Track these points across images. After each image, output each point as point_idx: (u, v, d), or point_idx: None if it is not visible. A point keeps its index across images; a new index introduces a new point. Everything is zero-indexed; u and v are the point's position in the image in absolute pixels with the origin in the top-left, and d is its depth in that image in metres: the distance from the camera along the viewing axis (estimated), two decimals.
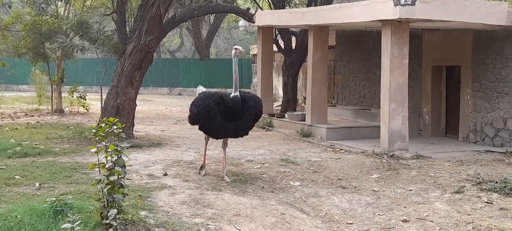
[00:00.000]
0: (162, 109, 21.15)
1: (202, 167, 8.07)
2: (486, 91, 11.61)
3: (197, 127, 7.94)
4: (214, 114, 7.45)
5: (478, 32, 11.68)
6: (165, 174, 7.93)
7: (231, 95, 7.50)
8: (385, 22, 10.35)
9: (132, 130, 11.59)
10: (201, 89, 8.55)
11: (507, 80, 11.10)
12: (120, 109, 11.07)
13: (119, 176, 4.93)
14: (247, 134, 7.98)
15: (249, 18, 13.39)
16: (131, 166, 7.01)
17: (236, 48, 7.85)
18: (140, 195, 6.40)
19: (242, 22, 16.64)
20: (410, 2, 9.53)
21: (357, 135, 12.74)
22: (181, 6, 18.97)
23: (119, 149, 4.94)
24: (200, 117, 7.57)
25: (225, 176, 7.73)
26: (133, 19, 12.80)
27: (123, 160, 5.02)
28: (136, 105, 11.72)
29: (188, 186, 7.21)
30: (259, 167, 8.97)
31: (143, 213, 5.62)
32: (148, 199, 6.36)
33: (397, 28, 10.27)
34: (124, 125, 6.43)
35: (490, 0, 11.96)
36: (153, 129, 13.95)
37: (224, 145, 8.07)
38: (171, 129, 14.17)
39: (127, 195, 5.26)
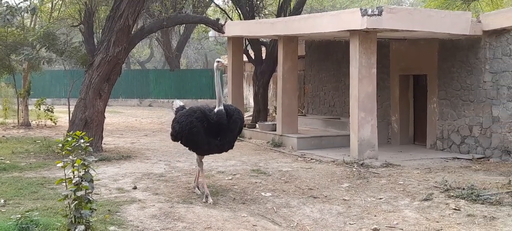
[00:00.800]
0: (132, 121, 20.91)
1: (206, 196, 7.23)
2: (452, 99, 11.85)
3: (176, 142, 7.70)
4: (197, 132, 7.13)
5: (443, 41, 11.93)
6: (135, 188, 7.83)
7: (216, 110, 7.19)
8: (353, 32, 10.47)
9: (101, 143, 11.42)
10: (178, 103, 8.21)
11: (472, 88, 11.35)
12: (89, 122, 10.90)
13: (87, 191, 4.84)
14: (232, 148, 7.70)
15: (219, 28, 13.39)
16: (99, 180, 6.87)
17: (218, 61, 7.55)
18: (109, 210, 6.29)
19: (212, 33, 16.64)
20: (377, 12, 9.68)
21: (327, 144, 12.82)
22: (151, 16, 18.85)
23: (86, 163, 4.85)
24: (182, 134, 7.28)
25: (196, 188, 7.65)
26: (101, 30, 12.64)
27: (91, 174, 4.93)
28: (104, 117, 11.56)
29: (158, 199, 7.13)
30: (230, 178, 8.93)
31: (112, 228, 5.52)
32: (117, 213, 6.26)
33: (365, 38, 10.41)
34: (92, 139, 6.32)
35: (454, 11, 12.23)
36: (122, 142, 13.77)
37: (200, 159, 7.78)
38: (141, 141, 14.02)
39: (95, 210, 5.16)
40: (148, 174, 9.04)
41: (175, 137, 7.54)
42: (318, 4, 24.62)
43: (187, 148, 7.62)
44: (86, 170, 4.88)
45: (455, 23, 10.51)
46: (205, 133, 7.15)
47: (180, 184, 8.25)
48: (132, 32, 11.54)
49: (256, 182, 8.64)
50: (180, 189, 7.91)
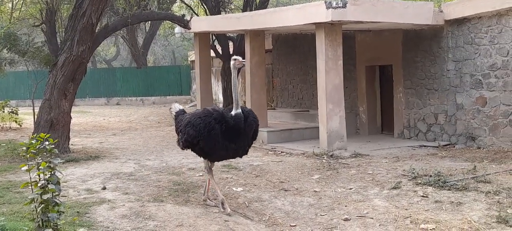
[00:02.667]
0: (100, 120, 20.60)
1: (222, 203, 6.71)
2: (417, 88, 12.06)
3: (187, 149, 6.92)
4: (216, 135, 6.39)
5: (407, 31, 12.13)
6: (104, 188, 7.72)
7: (233, 113, 6.44)
8: (318, 24, 10.54)
9: (68, 144, 11.21)
10: (177, 107, 7.40)
11: (436, 77, 11.58)
12: (54, 123, 10.69)
13: (54, 194, 4.74)
14: (247, 153, 6.97)
15: (185, 24, 13.30)
16: (65, 182, 6.78)
17: (235, 59, 6.71)
18: (77, 212, 6.19)
19: (178, 29, 16.51)
20: (341, 4, 9.76)
21: (297, 137, 12.90)
22: (115, 14, 18.59)
23: (52, 165, 4.75)
24: (199, 139, 6.43)
25: (208, 200, 6.99)
26: (63, 29, 12.39)
27: (57, 176, 4.83)
28: (71, 118, 11.35)
29: (129, 199, 7.04)
30: (201, 174, 8.89)
31: (81, 230, 5.43)
32: (87, 215, 6.16)
33: (330, 30, 10.49)
34: (57, 140, 6.20)
35: (417, 1, 12.44)
36: (90, 142, 13.56)
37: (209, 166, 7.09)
38: (109, 141, 13.83)
39: (63, 212, 5.06)
40: (118, 173, 8.93)
41: (189, 142, 6.60)
42: None
43: (199, 155, 6.84)
44: (52, 172, 4.78)
45: (418, 13, 10.69)
46: (223, 136, 6.44)
47: (150, 182, 8.18)
48: (96, 31, 11.34)
49: (227, 177, 8.64)
50: (150, 187, 7.83)
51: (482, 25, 10.50)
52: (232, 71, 6.81)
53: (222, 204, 6.67)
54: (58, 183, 4.81)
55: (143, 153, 11.38)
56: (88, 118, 21.58)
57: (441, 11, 11.12)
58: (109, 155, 11.16)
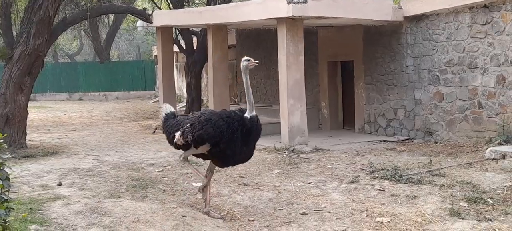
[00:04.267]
0: (61, 115, 20.18)
1: (223, 217, 6.48)
2: (377, 84, 12.24)
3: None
4: (237, 138, 6.09)
5: (367, 27, 12.28)
6: (60, 184, 7.55)
7: (249, 116, 6.16)
8: (280, 20, 10.57)
9: (25, 139, 10.94)
10: (168, 109, 6.85)
11: (396, 72, 11.77)
12: (10, 119, 10.41)
13: (3, 190, 4.61)
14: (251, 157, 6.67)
15: (146, 18, 13.15)
16: (16, 177, 6.60)
17: (248, 60, 6.36)
18: (30, 208, 6.03)
19: (140, 23, 16.34)
20: (302, 0, 9.80)
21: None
22: (76, 6, 18.22)
23: (0, 160, 4.61)
24: (220, 141, 6.05)
25: (211, 211, 6.55)
26: (19, 22, 12.07)
27: (6, 172, 4.69)
28: (27, 113, 11.07)
29: (85, 195, 6.91)
30: (161, 170, 8.81)
31: (33, 227, 5.30)
32: (40, 211, 6.01)
33: (292, 25, 10.53)
34: (6, 135, 6.02)
35: None
36: (49, 137, 13.27)
37: (211, 173, 6.70)
38: (69, 136, 13.56)
39: (13, 209, 4.92)
40: (75, 169, 8.76)
41: (202, 140, 6.10)
42: None
43: (213, 157, 6.38)
44: (1, 168, 4.64)
45: (377, 9, 10.84)
46: (242, 139, 6.17)
47: (108, 178, 8.05)
48: (54, 24, 11.08)
49: (187, 173, 8.56)
50: (108, 183, 7.71)
51: (439, 21, 10.71)
52: (243, 73, 6.38)
53: (221, 215, 6.47)
54: (7, 178, 4.66)
55: (102, 149, 11.20)
56: (48, 113, 21.12)
57: (400, 8, 11.30)
58: (68, 150, 10.95)
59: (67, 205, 6.35)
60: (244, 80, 6.38)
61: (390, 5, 11.06)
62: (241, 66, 6.38)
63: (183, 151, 6.55)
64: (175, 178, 8.19)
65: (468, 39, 10.22)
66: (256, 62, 6.39)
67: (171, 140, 6.51)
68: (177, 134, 6.26)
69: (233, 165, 6.74)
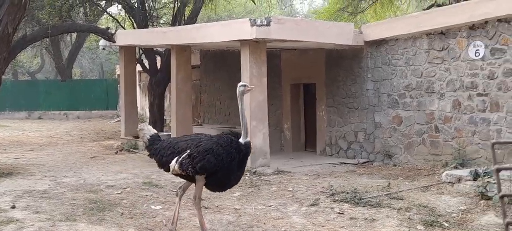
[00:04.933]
0: (18, 135, 19.64)
1: None
2: (339, 106, 12.40)
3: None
4: (234, 166, 6.10)
5: (330, 51, 12.46)
6: (14, 206, 7.33)
7: (244, 142, 6.13)
8: (243, 42, 10.62)
9: None
10: (152, 131, 6.59)
11: (356, 96, 11.96)
12: None
13: None
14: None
15: (109, 37, 13.01)
16: None
17: (244, 86, 6.34)
18: None
19: (102, 42, 16.16)
20: (265, 23, 9.89)
21: None
22: (38, 24, 17.90)
23: None
24: (218, 169, 6.02)
25: None
26: None
27: None
28: None
29: (39, 218, 6.73)
30: (120, 192, 8.66)
31: None
32: None
33: (255, 48, 10.59)
34: None
35: (338, 22, 12.82)
36: (5, 157, 12.88)
37: (184, 191, 6.58)
38: (26, 156, 13.20)
39: None
40: (30, 191, 8.51)
41: (205, 170, 6.00)
42: (214, 14, 24.78)
43: (208, 185, 6.28)
44: None
45: (339, 34, 11.02)
46: (237, 165, 6.18)
47: (64, 200, 7.85)
48: (13, 41, 10.83)
49: (147, 195, 8.45)
50: (64, 206, 7.52)
51: (398, 47, 10.97)
52: (239, 98, 6.31)
53: None
54: None
55: (60, 170, 10.94)
56: (5, 132, 20.54)
57: (361, 32, 11.53)
58: (24, 171, 10.64)
59: (20, 229, 6.17)
60: (240, 106, 6.31)
61: (352, 30, 11.28)
62: (237, 92, 6.32)
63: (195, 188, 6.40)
64: (134, 201, 8.05)
65: (425, 64, 10.50)
66: (252, 87, 6.41)
67: (162, 165, 6.37)
68: (175, 163, 6.09)
69: (226, 190, 6.59)
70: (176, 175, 6.26)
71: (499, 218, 6.52)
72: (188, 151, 6.04)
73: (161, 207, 7.73)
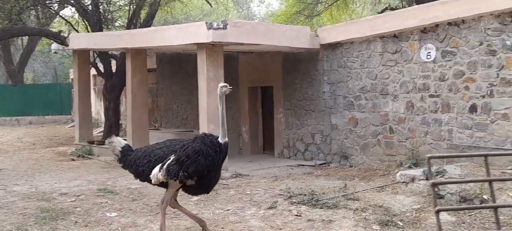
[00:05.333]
0: None
1: None
2: (296, 109, 12.49)
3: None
4: (220, 165, 6.23)
5: (286, 54, 12.54)
6: None
7: (222, 141, 6.15)
8: (200, 45, 10.55)
9: None
10: (122, 143, 6.50)
11: (313, 98, 12.07)
12: None
13: None
14: None
15: (62, 41, 12.67)
16: None
17: (225, 86, 6.38)
18: None
19: (54, 46, 15.70)
20: (222, 26, 9.86)
21: None
22: None
23: None
24: (208, 171, 6.03)
25: None
26: None
27: None
28: None
29: None
30: (74, 200, 8.43)
31: None
32: None
33: (212, 51, 10.54)
34: None
35: (295, 26, 12.93)
36: None
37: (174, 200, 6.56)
38: None
39: None
40: None
41: (197, 173, 6.01)
42: (170, 17, 24.52)
43: (193, 187, 6.24)
44: None
45: (295, 37, 11.10)
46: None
47: (15, 210, 7.58)
48: None
49: (101, 202, 8.26)
50: (15, 215, 7.26)
51: (353, 50, 11.14)
52: (219, 99, 6.36)
53: None
54: None
55: (11, 178, 10.58)
56: None
57: (317, 36, 11.65)
58: None
59: None
60: (220, 107, 6.33)
61: (307, 33, 11.38)
62: (219, 93, 6.35)
63: (165, 191, 6.29)
64: (89, 208, 7.86)
65: (379, 67, 10.69)
66: (230, 88, 6.44)
67: (138, 175, 6.25)
68: (158, 172, 5.99)
69: (209, 193, 6.63)
70: (158, 184, 6.16)
71: (452, 217, 6.70)
72: (174, 156, 5.97)
73: (116, 214, 7.57)
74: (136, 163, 6.18)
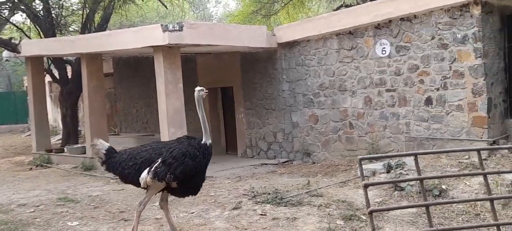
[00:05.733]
0: None
1: None
2: (257, 108, 12.53)
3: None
4: (206, 166, 6.24)
5: (244, 54, 12.56)
6: None
7: (208, 143, 6.17)
8: (156, 48, 10.44)
9: None
10: (105, 145, 6.37)
11: (273, 97, 12.13)
12: None
13: None
14: None
15: (13, 48, 12.30)
16: None
17: (202, 89, 6.39)
18: None
19: (6, 53, 15.27)
20: (178, 28, 9.79)
21: None
22: None
23: None
24: (196, 170, 6.05)
25: None
26: None
27: None
28: None
29: None
30: (33, 210, 8.21)
31: None
32: None
33: (168, 53, 10.45)
34: None
35: (251, 25, 12.97)
36: None
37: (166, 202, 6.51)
38: None
39: None
40: None
41: (184, 175, 5.98)
42: (126, 20, 24.16)
43: (180, 189, 6.22)
44: None
45: (252, 37, 11.14)
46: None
47: None
48: None
49: (62, 212, 8.08)
50: None
51: (310, 48, 11.26)
52: (197, 102, 6.36)
53: None
54: None
55: None
56: None
57: (274, 35, 11.72)
58: None
59: None
60: (198, 109, 6.37)
61: (264, 32, 11.43)
62: (196, 96, 6.35)
63: (146, 193, 6.24)
64: (49, 218, 7.68)
65: (337, 63, 10.85)
66: (206, 91, 6.48)
67: (125, 177, 6.20)
68: (146, 175, 5.92)
69: (196, 194, 6.59)
70: (145, 187, 6.12)
71: (413, 208, 6.86)
72: (160, 159, 5.93)
73: (78, 223, 7.43)
74: (122, 166, 6.13)
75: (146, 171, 5.94)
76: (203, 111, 6.39)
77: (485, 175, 2.85)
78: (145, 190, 6.26)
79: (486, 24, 9.00)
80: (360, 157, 2.04)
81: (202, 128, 6.25)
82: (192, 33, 10.04)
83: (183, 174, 5.93)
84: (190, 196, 6.63)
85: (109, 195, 9.24)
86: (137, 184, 6.18)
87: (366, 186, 1.99)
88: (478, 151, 2.74)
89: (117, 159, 6.20)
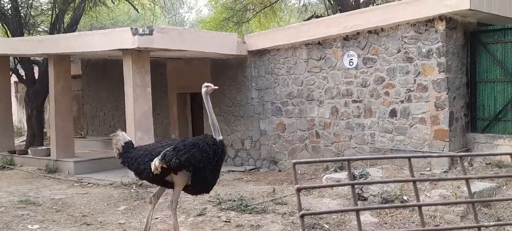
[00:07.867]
0: None
1: None
2: (225, 115, 12.55)
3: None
4: (220, 165, 6.23)
5: (215, 60, 12.58)
6: None
7: (218, 140, 6.15)
8: (125, 51, 10.38)
9: None
10: (126, 137, 6.47)
11: (242, 104, 12.18)
12: None
13: None
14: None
15: None
16: None
17: (207, 86, 6.41)
18: None
19: None
20: (147, 31, 9.76)
21: (108, 166, 12.39)
22: None
23: None
24: (203, 164, 5.97)
25: None
26: None
27: None
28: None
29: None
30: (1, 209, 8.05)
31: None
32: None
33: (138, 57, 10.40)
34: None
35: (222, 32, 13.00)
36: None
37: (157, 198, 6.55)
38: None
39: None
40: None
41: (188, 164, 5.92)
42: (96, 22, 23.88)
43: (191, 184, 6.16)
44: None
45: (222, 43, 11.17)
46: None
47: None
48: None
49: (23, 215, 7.93)
50: None
51: (280, 56, 11.36)
52: (204, 99, 6.41)
53: None
54: None
55: None
56: None
57: (244, 42, 11.78)
58: None
59: None
60: (207, 106, 6.39)
61: (235, 40, 11.48)
62: (202, 93, 6.40)
63: (172, 192, 6.27)
64: (9, 221, 7.54)
65: (305, 73, 10.97)
66: (216, 87, 6.50)
67: (140, 172, 6.20)
68: (156, 160, 5.90)
69: (208, 192, 6.58)
70: (155, 175, 6.07)
71: (374, 217, 6.98)
72: (173, 146, 5.98)
73: (38, 226, 7.30)
74: (138, 161, 6.15)
75: (158, 158, 5.96)
76: (211, 108, 6.39)
77: (414, 182, 2.77)
78: (172, 190, 6.32)
79: (450, 40, 9.25)
80: (294, 161, 2.10)
81: (211, 125, 6.27)
82: (162, 38, 10.01)
83: (187, 162, 5.88)
84: (201, 194, 6.67)
85: (73, 198, 9.12)
86: (151, 180, 6.29)
87: (299, 190, 2.03)
88: (410, 157, 2.78)
89: (134, 154, 6.25)
